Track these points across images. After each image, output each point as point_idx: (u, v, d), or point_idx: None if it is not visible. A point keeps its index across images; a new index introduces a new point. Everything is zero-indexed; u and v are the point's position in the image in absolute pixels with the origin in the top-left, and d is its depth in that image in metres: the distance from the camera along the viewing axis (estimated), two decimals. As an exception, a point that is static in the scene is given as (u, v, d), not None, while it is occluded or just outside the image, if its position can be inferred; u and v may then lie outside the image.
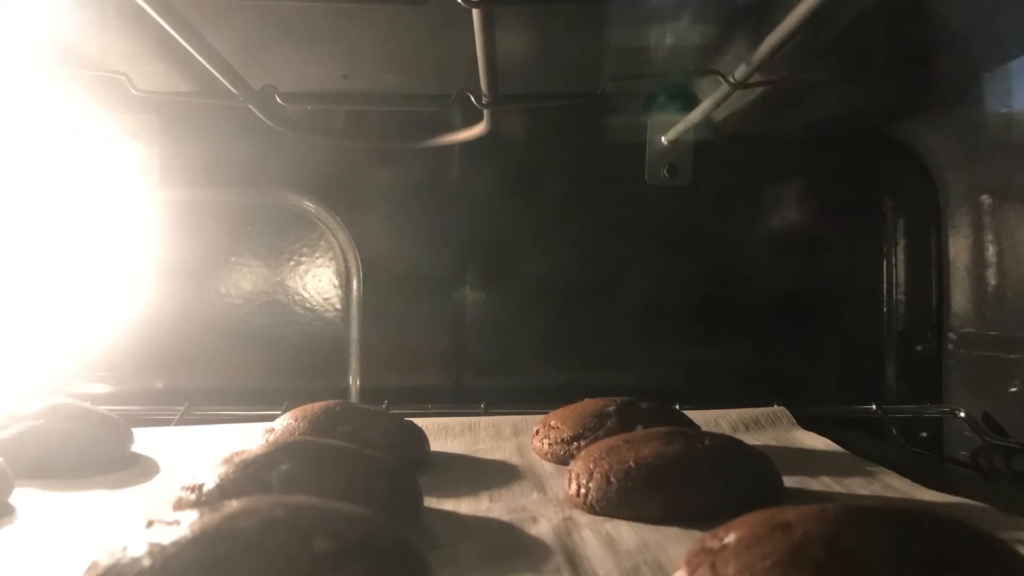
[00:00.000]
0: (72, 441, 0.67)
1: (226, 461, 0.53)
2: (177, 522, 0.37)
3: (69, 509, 0.57)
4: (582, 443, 0.68)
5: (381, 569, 0.38)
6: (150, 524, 0.38)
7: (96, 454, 0.68)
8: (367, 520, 0.40)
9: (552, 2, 0.70)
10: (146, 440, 0.76)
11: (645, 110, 0.99)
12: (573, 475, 0.58)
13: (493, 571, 0.45)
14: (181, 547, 0.35)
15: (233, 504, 0.39)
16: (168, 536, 0.36)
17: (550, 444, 0.72)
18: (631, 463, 0.55)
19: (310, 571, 0.35)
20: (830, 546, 0.34)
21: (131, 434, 0.73)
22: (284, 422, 0.70)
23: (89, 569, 0.36)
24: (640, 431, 0.63)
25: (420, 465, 0.68)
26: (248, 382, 0.99)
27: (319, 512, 0.39)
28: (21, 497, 0.58)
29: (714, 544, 0.37)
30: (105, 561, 0.36)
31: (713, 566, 0.36)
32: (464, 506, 0.58)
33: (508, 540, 0.50)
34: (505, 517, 0.54)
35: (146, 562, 0.35)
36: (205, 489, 0.51)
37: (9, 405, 0.70)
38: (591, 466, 0.57)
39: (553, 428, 0.73)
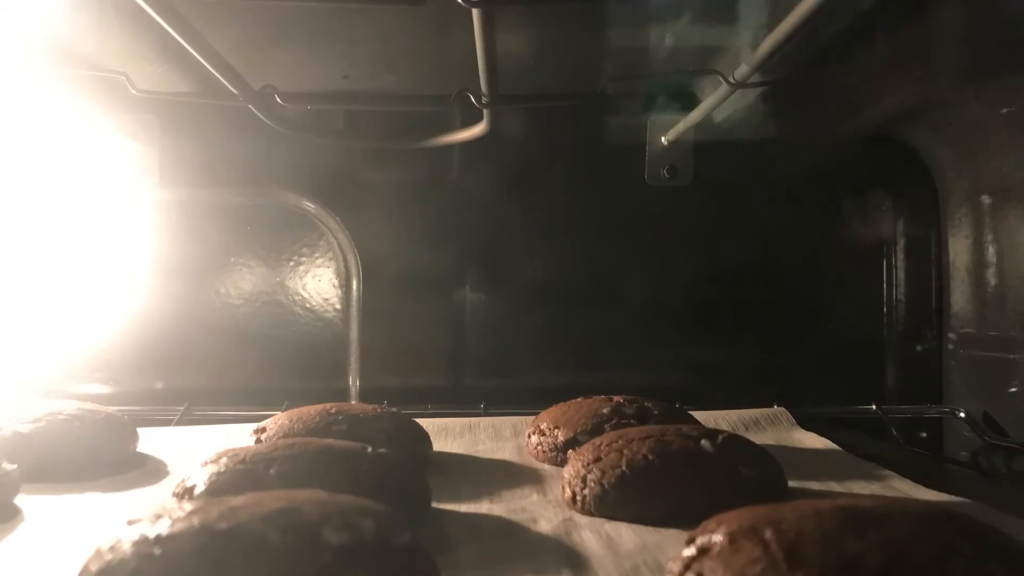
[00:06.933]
0: (76, 442, 0.66)
1: (222, 458, 0.52)
2: (159, 518, 0.36)
3: (74, 510, 0.57)
4: (577, 449, 0.65)
5: (395, 565, 0.36)
6: (131, 523, 0.36)
7: (100, 454, 0.67)
8: (380, 514, 0.39)
9: (552, 2, 0.70)
10: (152, 440, 0.75)
11: (645, 110, 0.99)
12: (566, 481, 0.57)
13: (494, 572, 0.45)
14: (182, 541, 0.34)
15: (236, 499, 0.37)
16: (164, 533, 0.35)
17: (544, 451, 0.70)
18: (623, 467, 0.54)
19: (321, 566, 0.34)
20: (825, 545, 0.34)
21: (136, 434, 0.72)
22: (277, 422, 0.68)
23: (82, 571, 0.35)
24: (636, 428, 0.61)
25: (422, 465, 0.67)
26: (248, 382, 0.99)
27: (329, 504, 0.37)
28: (26, 499, 0.58)
29: (691, 551, 0.37)
30: (96, 565, 0.35)
31: (700, 574, 0.36)
32: (464, 507, 0.57)
33: (508, 541, 0.50)
34: (505, 518, 0.54)
35: (140, 562, 0.33)
36: (200, 488, 0.50)
37: (11, 406, 0.70)
38: (583, 470, 0.56)
39: (545, 433, 0.70)
